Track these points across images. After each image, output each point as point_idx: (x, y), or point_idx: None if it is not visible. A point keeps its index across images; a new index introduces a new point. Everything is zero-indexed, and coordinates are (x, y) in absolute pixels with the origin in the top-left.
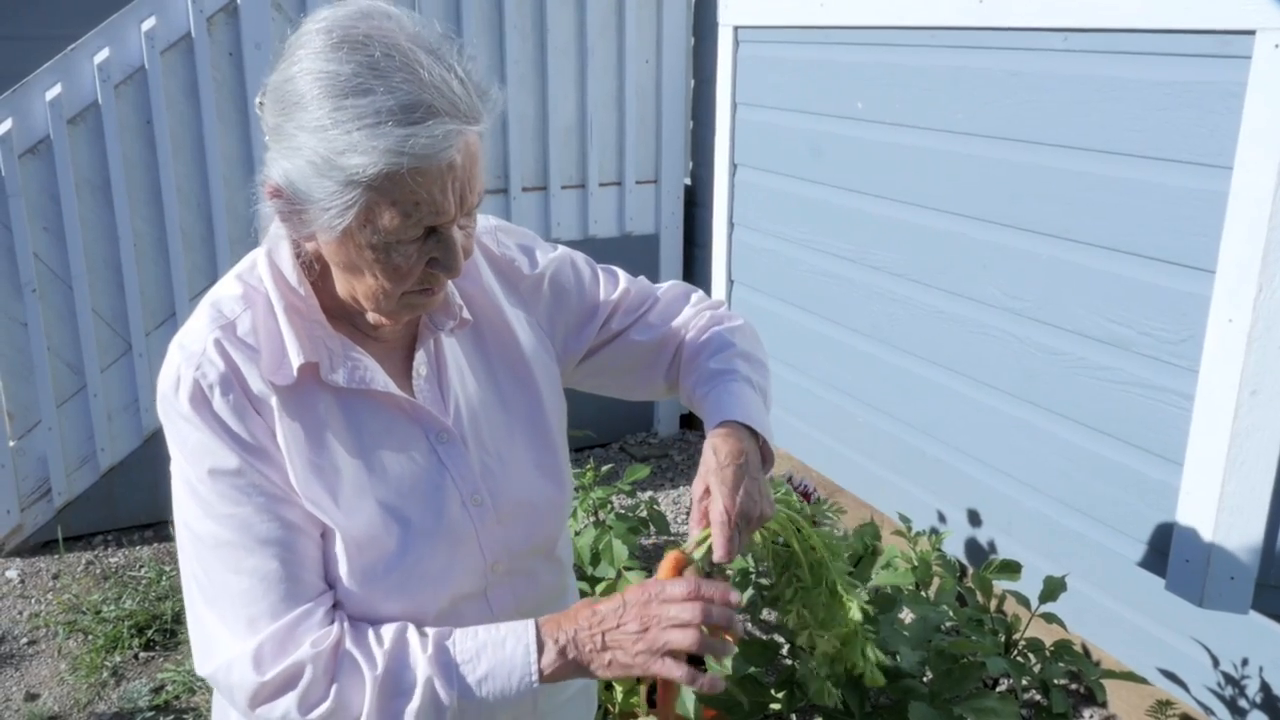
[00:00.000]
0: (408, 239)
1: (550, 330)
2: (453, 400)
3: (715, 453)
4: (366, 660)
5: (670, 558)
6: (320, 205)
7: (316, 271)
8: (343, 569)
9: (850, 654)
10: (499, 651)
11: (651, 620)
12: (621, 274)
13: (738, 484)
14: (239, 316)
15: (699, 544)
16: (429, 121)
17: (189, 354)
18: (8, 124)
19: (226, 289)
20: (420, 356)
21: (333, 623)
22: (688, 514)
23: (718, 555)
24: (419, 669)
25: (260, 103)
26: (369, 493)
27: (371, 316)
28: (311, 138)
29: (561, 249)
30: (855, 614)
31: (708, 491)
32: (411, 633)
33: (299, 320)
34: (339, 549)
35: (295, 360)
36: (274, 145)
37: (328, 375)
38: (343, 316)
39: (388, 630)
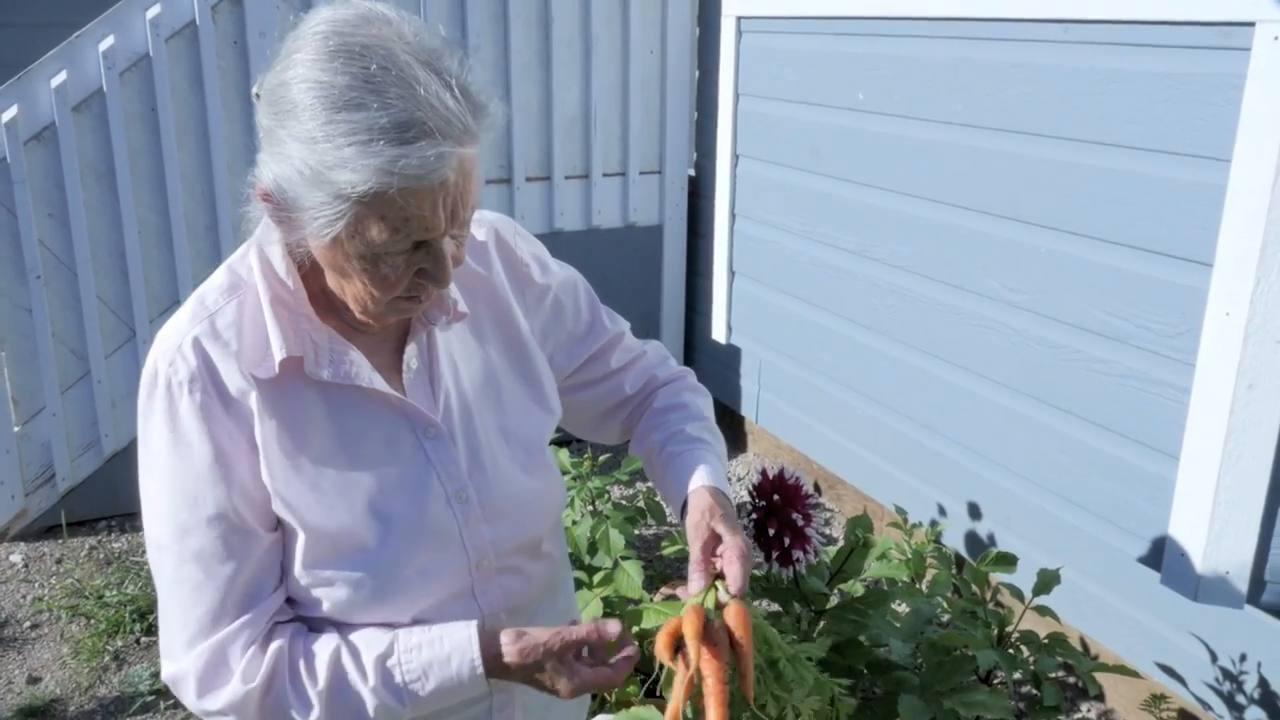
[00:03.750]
0: (396, 251)
1: (541, 344)
2: (443, 394)
3: (707, 506)
4: (301, 703)
5: (691, 612)
6: (309, 213)
7: (308, 265)
8: (317, 567)
9: (825, 707)
10: (445, 669)
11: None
12: (620, 317)
13: (737, 529)
14: (222, 309)
15: (706, 594)
16: (421, 142)
17: (166, 349)
18: (13, 111)
19: (214, 279)
20: (411, 350)
21: (268, 641)
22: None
23: (735, 588)
24: (367, 701)
25: (257, 95)
26: (350, 489)
27: (360, 316)
28: (303, 148)
29: (570, 270)
30: (812, 670)
31: (712, 537)
32: (346, 658)
33: (284, 313)
34: (310, 548)
35: (278, 354)
36: (266, 148)
37: (312, 370)
38: (332, 309)
39: (321, 659)
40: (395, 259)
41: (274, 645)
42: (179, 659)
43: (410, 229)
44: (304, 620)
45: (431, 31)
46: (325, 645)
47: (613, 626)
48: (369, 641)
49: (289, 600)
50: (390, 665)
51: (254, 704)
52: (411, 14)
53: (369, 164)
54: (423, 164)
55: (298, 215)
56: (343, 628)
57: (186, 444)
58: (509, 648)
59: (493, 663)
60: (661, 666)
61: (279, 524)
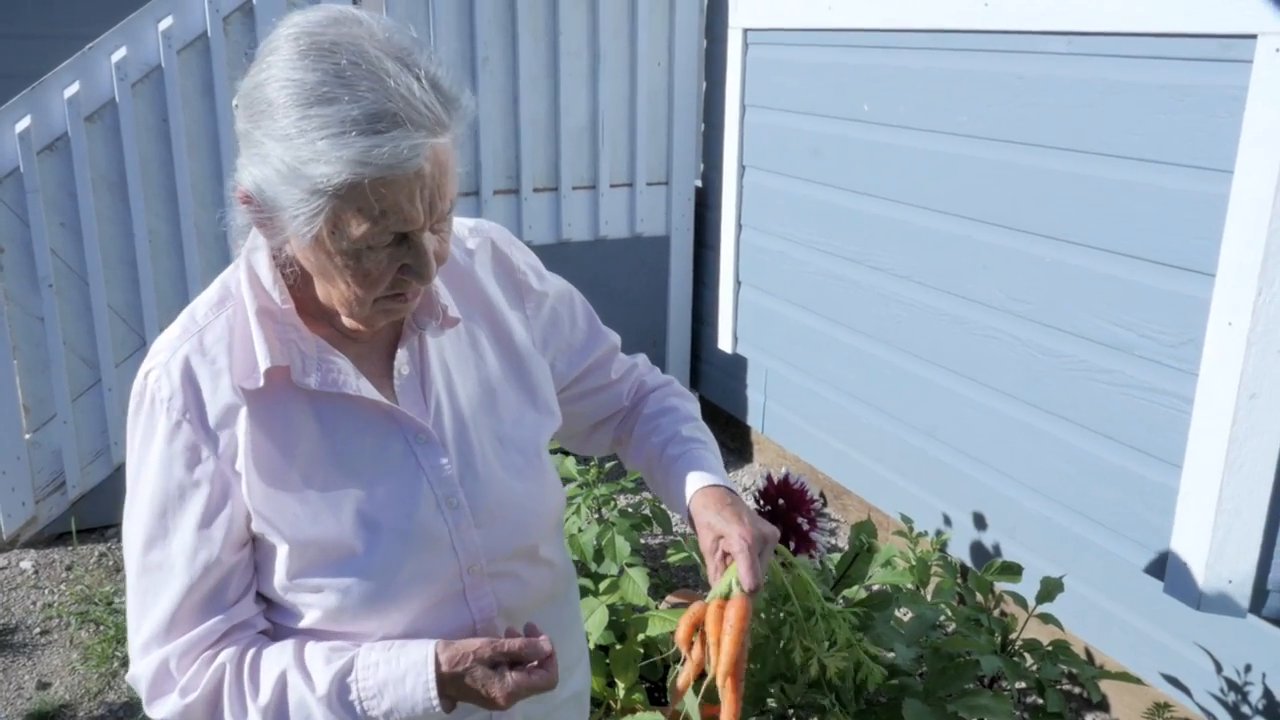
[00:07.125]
0: (378, 245)
1: (542, 351)
2: (434, 400)
3: (708, 504)
4: (240, 715)
5: (695, 609)
6: (289, 213)
7: (297, 273)
8: (304, 576)
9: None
10: (399, 689)
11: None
12: (610, 330)
13: (740, 517)
14: (211, 324)
15: (726, 584)
16: (393, 132)
17: (155, 363)
18: (27, 121)
19: (207, 293)
20: (402, 356)
21: (217, 654)
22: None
23: (746, 582)
24: (316, 714)
25: (236, 105)
26: (339, 498)
27: (348, 321)
28: (278, 146)
29: (564, 281)
30: (846, 629)
31: (719, 537)
32: (294, 674)
33: (270, 323)
34: (295, 558)
35: (263, 364)
36: (244, 151)
37: (299, 378)
38: (323, 318)
39: (268, 674)
40: (378, 254)
41: (220, 658)
42: (136, 661)
43: (389, 221)
44: (289, 632)
45: (402, 30)
46: (274, 659)
47: (546, 643)
48: (330, 656)
49: (272, 607)
50: (349, 681)
51: (196, 717)
52: (381, 15)
53: (342, 155)
54: (395, 152)
55: (278, 215)
56: (323, 638)
57: (157, 459)
58: (440, 656)
59: (445, 682)
60: (665, 672)
61: (250, 540)
